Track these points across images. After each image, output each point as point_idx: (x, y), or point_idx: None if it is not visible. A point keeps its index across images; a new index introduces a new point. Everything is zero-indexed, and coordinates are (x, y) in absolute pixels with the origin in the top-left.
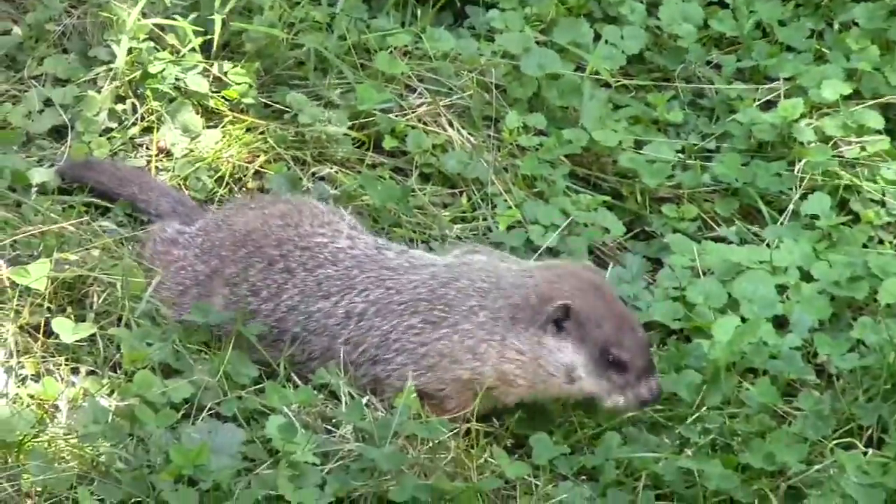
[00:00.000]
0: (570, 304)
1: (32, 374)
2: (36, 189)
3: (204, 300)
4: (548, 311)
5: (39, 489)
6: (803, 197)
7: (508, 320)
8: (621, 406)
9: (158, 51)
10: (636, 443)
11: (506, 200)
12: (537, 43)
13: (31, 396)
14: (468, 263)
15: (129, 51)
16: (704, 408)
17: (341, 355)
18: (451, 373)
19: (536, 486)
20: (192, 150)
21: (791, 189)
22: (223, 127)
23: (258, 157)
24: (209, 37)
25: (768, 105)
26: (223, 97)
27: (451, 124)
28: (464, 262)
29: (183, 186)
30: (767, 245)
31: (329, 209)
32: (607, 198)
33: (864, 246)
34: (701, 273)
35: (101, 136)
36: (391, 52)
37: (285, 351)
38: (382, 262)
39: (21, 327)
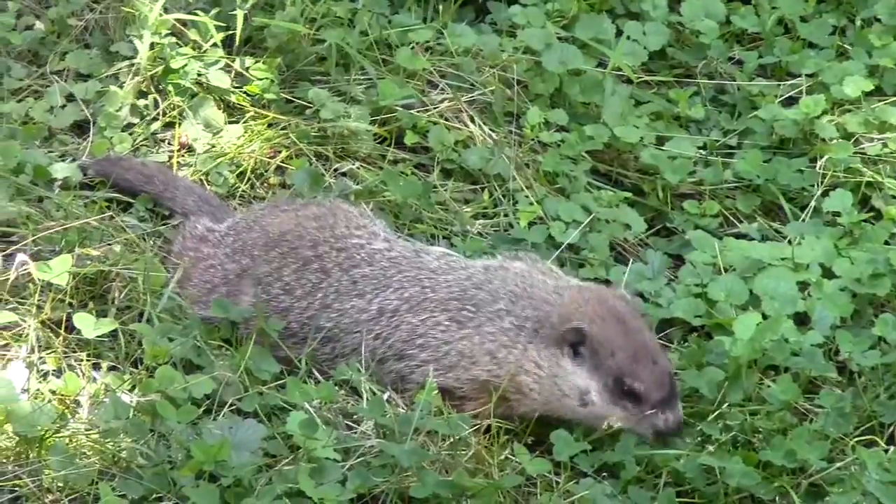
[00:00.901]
0: (584, 329)
1: (54, 370)
2: (58, 184)
3: (231, 299)
4: (563, 332)
5: (61, 484)
6: (825, 193)
7: (532, 332)
8: (635, 433)
9: (180, 46)
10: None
11: (527, 196)
12: (559, 39)
13: (53, 392)
14: (506, 268)
15: (152, 46)
16: (726, 405)
17: (365, 349)
18: (469, 372)
19: (557, 482)
20: (213, 146)
21: (813, 186)
22: (245, 122)
23: (280, 152)
24: (231, 32)
25: (790, 101)
26: (245, 93)
27: (472, 120)
28: (502, 266)
29: (204, 181)
30: (789, 242)
31: (361, 212)
32: (629, 194)
33: (886, 243)
34: (722, 270)
35: (122, 131)
36: (413, 47)
37: (309, 348)
38: (421, 263)
39: (42, 322)
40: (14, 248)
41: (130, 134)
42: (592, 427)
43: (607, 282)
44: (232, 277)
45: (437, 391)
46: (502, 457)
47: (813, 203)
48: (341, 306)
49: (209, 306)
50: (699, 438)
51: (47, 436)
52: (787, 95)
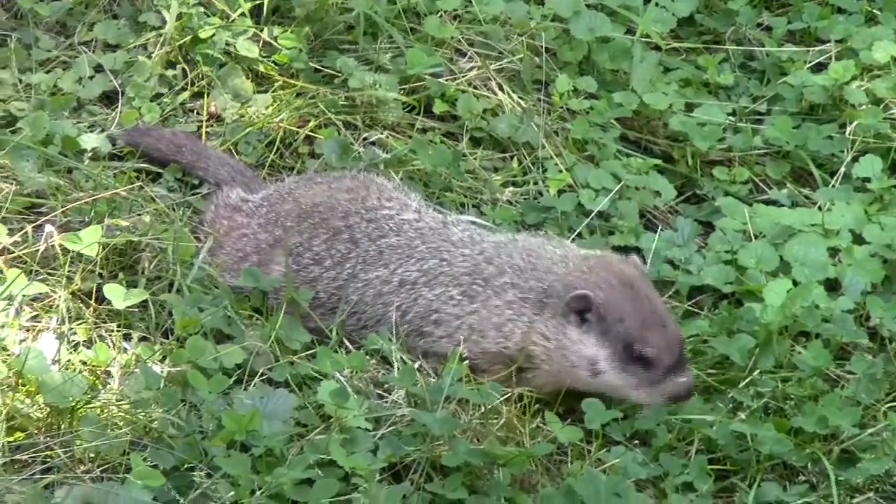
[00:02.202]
0: (590, 296)
1: (84, 341)
2: (88, 155)
3: (263, 269)
4: (568, 300)
5: (92, 455)
6: (855, 159)
7: (537, 304)
8: (646, 401)
9: (208, 16)
10: (689, 407)
11: (556, 164)
12: (587, 6)
13: (84, 363)
14: (515, 241)
15: (179, 16)
16: (757, 372)
17: (389, 321)
18: (479, 346)
19: (588, 451)
20: (242, 116)
21: (842, 151)
22: (273, 92)
23: (308, 121)
24: (259, 1)
25: (819, 67)
26: (273, 62)
27: (501, 88)
28: (512, 241)
29: (233, 151)
30: (819, 208)
31: (396, 186)
32: (658, 161)
33: None
34: (752, 236)
35: (151, 101)
36: (441, 15)
37: (338, 318)
38: (445, 235)
39: (73, 293)
40: (44, 219)
41: (159, 104)
42: (609, 396)
43: (637, 249)
44: (264, 247)
45: (465, 361)
46: (533, 425)
47: (843, 169)
48: (366, 276)
49: (240, 275)
50: (730, 405)
51: (78, 407)
52: (816, 61)
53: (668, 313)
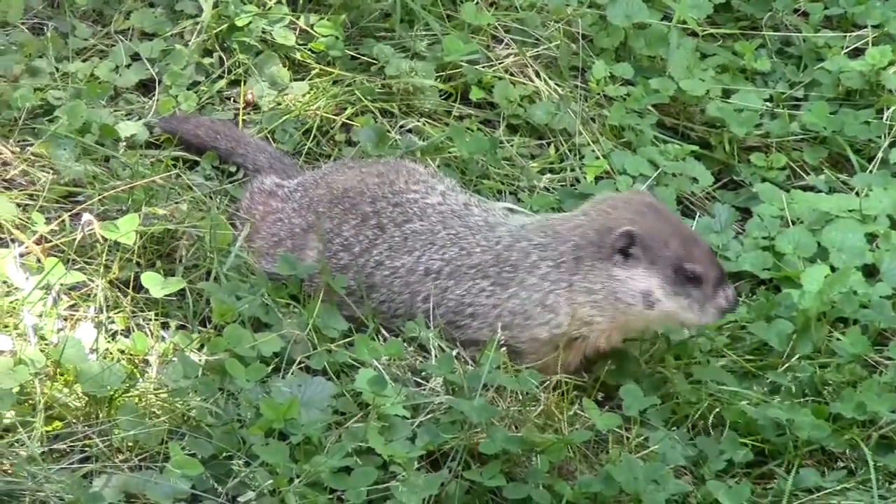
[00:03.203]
0: (632, 230)
1: (122, 329)
2: (124, 143)
3: (297, 254)
4: (611, 241)
5: (130, 444)
6: (892, 145)
7: (572, 263)
8: (703, 320)
9: (245, 3)
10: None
11: (593, 151)
12: None
13: (122, 351)
14: (526, 225)
15: (216, 4)
16: (795, 357)
17: (419, 311)
18: (528, 331)
19: (627, 438)
20: (279, 103)
21: (880, 137)
22: (310, 79)
23: (345, 109)
24: None
25: (856, 53)
26: (310, 50)
27: (538, 75)
28: (523, 225)
29: (270, 139)
30: (856, 193)
31: (429, 171)
32: (695, 147)
33: None
34: (790, 222)
35: (188, 89)
36: (477, 2)
37: (367, 306)
38: (465, 218)
39: (110, 282)
40: (80, 207)
41: (196, 92)
42: (664, 326)
43: None
44: (298, 232)
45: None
46: (571, 412)
47: (880, 154)
48: (393, 264)
49: (275, 260)
50: (768, 390)
51: (117, 396)
52: (853, 47)
53: (696, 231)
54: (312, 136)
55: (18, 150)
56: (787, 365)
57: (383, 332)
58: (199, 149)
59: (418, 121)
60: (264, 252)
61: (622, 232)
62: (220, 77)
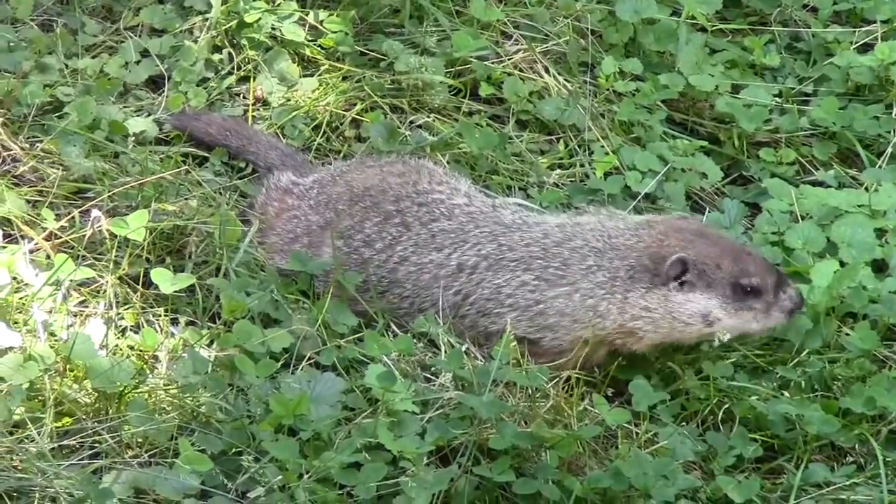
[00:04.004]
0: (684, 257)
1: (132, 325)
2: (131, 139)
3: (313, 250)
4: (665, 269)
5: (140, 440)
6: None
7: (627, 280)
8: (770, 324)
9: (254, 0)
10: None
11: (603, 146)
12: None
13: (131, 347)
14: (580, 224)
15: (225, 0)
16: (804, 352)
17: (445, 304)
18: (574, 333)
19: (636, 433)
20: (288, 99)
21: (889, 132)
22: (320, 75)
23: (355, 105)
24: None
25: (865, 48)
26: (319, 46)
27: (547, 70)
28: (576, 223)
29: (280, 135)
30: (866, 188)
31: (446, 171)
32: (704, 143)
33: None
34: (799, 217)
35: (197, 85)
36: None
37: (387, 301)
38: (497, 218)
39: (120, 278)
40: (90, 204)
41: (205, 88)
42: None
43: None
44: (315, 229)
45: (514, 342)
46: (581, 408)
47: (889, 149)
48: (419, 260)
49: (289, 256)
50: (778, 385)
51: (126, 391)
52: (862, 42)
53: (745, 243)
54: (322, 131)
55: (28, 146)
56: (796, 360)
57: (393, 327)
58: (210, 146)
59: (428, 116)
60: (279, 249)
61: (675, 259)
62: (230, 73)
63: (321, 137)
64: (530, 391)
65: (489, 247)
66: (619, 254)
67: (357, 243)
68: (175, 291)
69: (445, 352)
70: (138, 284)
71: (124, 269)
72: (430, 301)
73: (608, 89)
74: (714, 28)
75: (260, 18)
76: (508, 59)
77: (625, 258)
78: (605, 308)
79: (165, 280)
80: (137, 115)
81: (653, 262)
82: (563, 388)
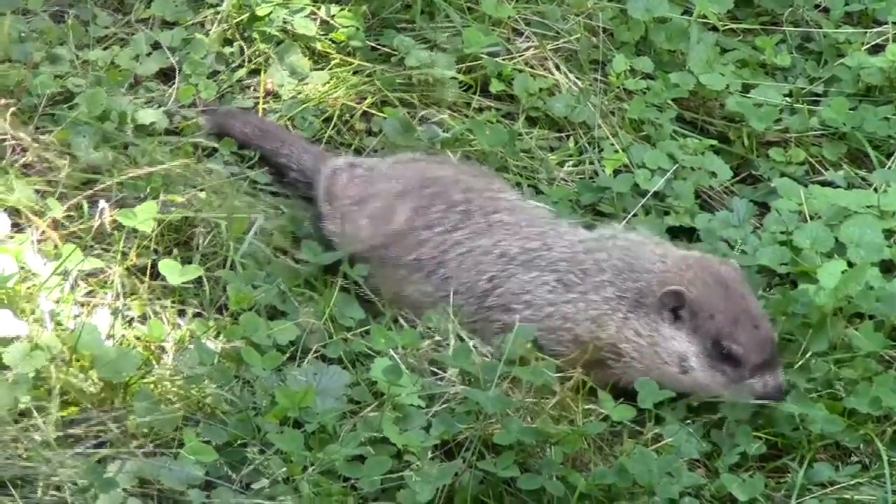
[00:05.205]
0: (682, 292)
1: (139, 316)
2: (131, 126)
3: (386, 213)
4: (661, 296)
5: (145, 430)
6: None
7: (633, 302)
8: (734, 399)
9: None
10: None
11: (612, 144)
12: None
13: (138, 338)
14: (616, 239)
15: None
16: (810, 354)
17: (479, 290)
18: (571, 333)
19: (640, 432)
20: (299, 93)
21: None
22: (330, 69)
23: (365, 98)
24: None
25: (876, 49)
26: (330, 40)
27: (557, 68)
28: (613, 237)
29: (290, 126)
30: (875, 189)
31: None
32: (714, 142)
33: None
34: (808, 217)
35: (208, 78)
36: None
37: (434, 284)
38: (554, 225)
39: (127, 269)
40: (94, 192)
41: (216, 81)
42: (696, 394)
43: (693, 230)
44: (386, 198)
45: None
46: (586, 405)
47: None
48: (470, 244)
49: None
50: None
51: (132, 382)
52: (873, 43)
53: (762, 314)
54: (333, 124)
55: (38, 136)
56: (801, 362)
57: (401, 321)
58: (244, 145)
59: (438, 112)
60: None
61: (671, 290)
62: (241, 66)
63: (332, 129)
64: (536, 387)
65: (534, 244)
66: (635, 276)
67: (418, 224)
68: (182, 283)
69: (453, 347)
70: (145, 276)
71: (132, 260)
72: (467, 285)
73: (619, 87)
74: (725, 27)
75: (272, 12)
76: (519, 56)
77: (637, 280)
78: (606, 322)
79: (173, 271)
80: (148, 107)
81: (658, 287)
82: (569, 386)
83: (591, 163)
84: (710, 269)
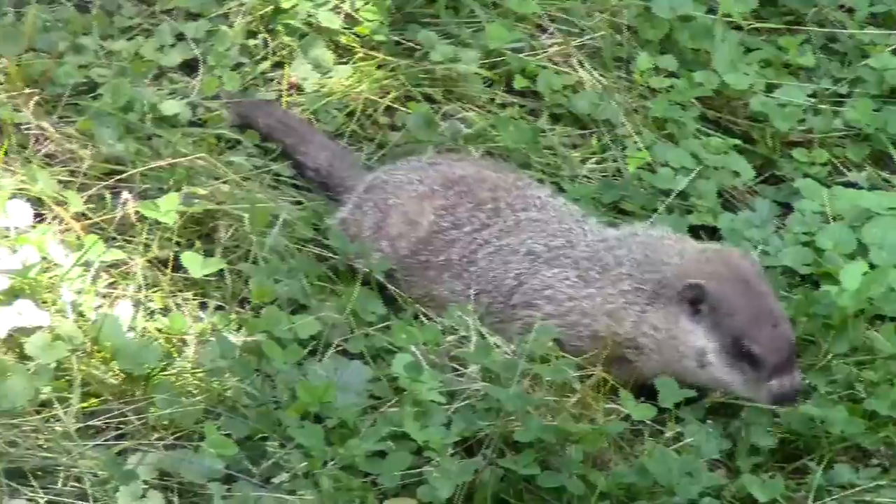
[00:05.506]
0: (703, 285)
1: (160, 308)
2: (149, 116)
3: (415, 218)
4: (681, 289)
5: (166, 423)
6: None
7: (652, 294)
8: (751, 398)
9: None
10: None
11: (636, 142)
12: None
13: (159, 330)
14: (637, 235)
15: None
16: (830, 355)
17: (504, 287)
18: (589, 328)
19: (661, 431)
20: (323, 86)
21: None
22: (354, 63)
23: (389, 93)
24: None
25: None
26: (354, 34)
27: (581, 65)
28: (634, 233)
29: (313, 120)
30: None
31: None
32: (738, 141)
33: None
34: (831, 218)
35: (232, 70)
36: None
37: (465, 282)
38: (582, 222)
39: (149, 261)
40: (118, 179)
41: (239, 73)
42: (712, 390)
43: (715, 229)
44: (409, 205)
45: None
46: (607, 403)
47: None
48: (499, 242)
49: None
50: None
51: (153, 374)
52: None
53: (781, 312)
54: (356, 118)
55: (61, 126)
56: (822, 363)
57: (422, 317)
58: (267, 138)
59: (461, 107)
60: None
61: (692, 283)
62: (264, 59)
63: (355, 123)
64: (557, 385)
65: (559, 241)
66: (653, 268)
67: (446, 224)
68: (204, 275)
69: (474, 343)
70: (168, 268)
71: (154, 253)
72: (494, 283)
73: (643, 85)
74: (750, 27)
75: (296, 5)
76: (543, 53)
77: (656, 272)
78: (622, 316)
79: (195, 264)
80: (171, 98)
81: (678, 280)
82: (590, 384)
83: (615, 160)
84: (731, 263)
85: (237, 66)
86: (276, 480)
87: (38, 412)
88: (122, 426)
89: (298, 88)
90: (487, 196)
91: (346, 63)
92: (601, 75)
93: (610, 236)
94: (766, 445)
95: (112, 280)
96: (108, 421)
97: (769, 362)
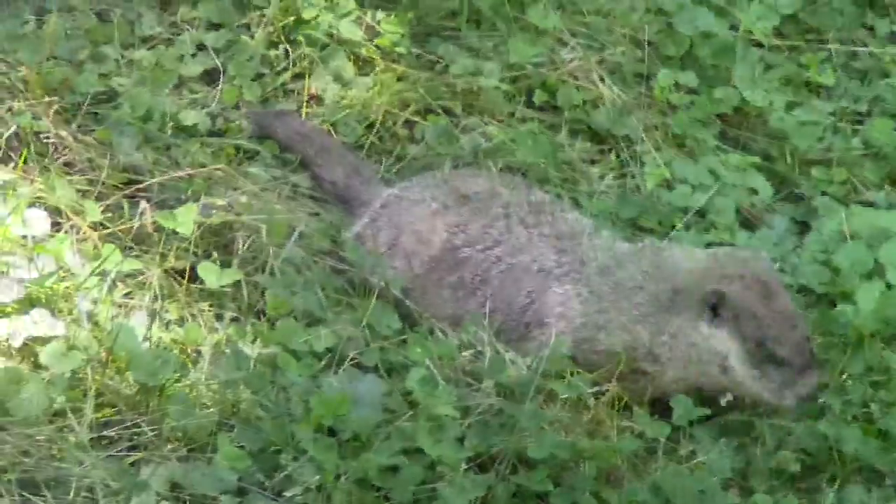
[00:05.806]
0: (724, 291)
1: (176, 319)
2: (171, 124)
3: (427, 235)
4: (702, 295)
5: (179, 434)
6: None
7: (666, 303)
8: (776, 401)
9: None
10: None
11: (655, 158)
12: (692, 1)
13: (174, 341)
14: (647, 248)
15: None
16: (845, 375)
17: (518, 306)
18: (603, 344)
19: (675, 449)
20: (342, 98)
21: None
22: (374, 75)
23: (409, 106)
24: None
25: None
26: (375, 46)
27: (602, 80)
28: (644, 247)
29: (332, 131)
30: None
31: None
32: (757, 159)
33: None
34: (848, 237)
35: (252, 80)
36: (545, 5)
37: (478, 301)
38: (592, 236)
39: (166, 271)
40: (136, 189)
41: (260, 84)
42: (734, 396)
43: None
44: (421, 223)
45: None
46: (621, 420)
47: None
48: (511, 260)
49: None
50: (819, 409)
51: (168, 385)
52: None
53: (797, 311)
54: (376, 130)
55: (80, 135)
56: (836, 384)
57: (437, 332)
58: (285, 149)
59: (481, 121)
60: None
61: (713, 290)
62: (285, 69)
63: (374, 136)
64: (571, 401)
65: (569, 256)
66: (665, 276)
67: (458, 242)
68: (221, 287)
69: (489, 358)
70: (184, 278)
71: (171, 263)
72: (507, 301)
73: (663, 101)
74: (771, 44)
75: (318, 16)
76: (564, 67)
77: (669, 280)
78: (637, 331)
79: (212, 275)
80: (191, 108)
81: (695, 286)
82: (604, 401)
83: (633, 176)
84: (747, 265)
85: (258, 77)
86: (288, 494)
87: (51, 422)
88: (135, 437)
89: (318, 99)
90: (500, 212)
91: (366, 75)
92: (621, 91)
93: (621, 250)
94: (787, 469)
95: (128, 290)
96: (121, 432)
97: (795, 364)
